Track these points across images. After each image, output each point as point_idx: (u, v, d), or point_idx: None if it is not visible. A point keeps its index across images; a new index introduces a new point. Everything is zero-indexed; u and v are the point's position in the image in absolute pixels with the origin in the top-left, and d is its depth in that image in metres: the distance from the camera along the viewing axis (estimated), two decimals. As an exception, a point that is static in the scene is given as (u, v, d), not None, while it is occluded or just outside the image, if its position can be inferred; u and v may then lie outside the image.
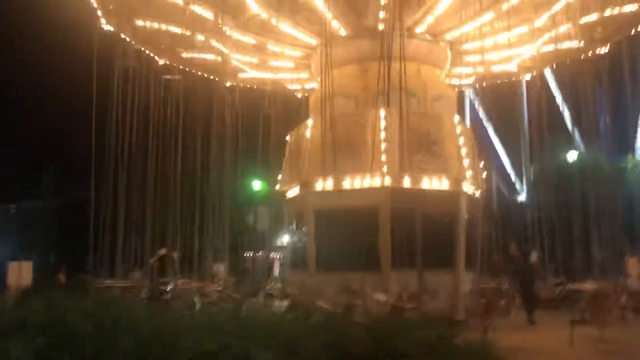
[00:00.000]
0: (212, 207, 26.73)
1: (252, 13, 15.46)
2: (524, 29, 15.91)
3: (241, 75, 21.01)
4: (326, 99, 14.20)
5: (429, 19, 15.12)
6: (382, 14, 14.51)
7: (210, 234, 26.52)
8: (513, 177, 44.78)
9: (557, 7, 15.41)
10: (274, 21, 15.23)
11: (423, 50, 15.85)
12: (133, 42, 18.75)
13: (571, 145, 39.79)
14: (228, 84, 21.41)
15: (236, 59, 18.43)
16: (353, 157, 14.92)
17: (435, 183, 14.92)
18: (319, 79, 17.27)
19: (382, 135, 14.69)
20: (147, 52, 19.52)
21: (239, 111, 23.43)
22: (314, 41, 16.17)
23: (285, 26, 15.53)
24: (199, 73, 21.14)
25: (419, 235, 14.45)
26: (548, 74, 35.24)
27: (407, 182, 14.70)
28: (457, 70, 18.40)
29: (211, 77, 21.31)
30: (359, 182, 14.89)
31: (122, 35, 18.39)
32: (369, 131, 14.81)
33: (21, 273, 22.93)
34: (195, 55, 19.66)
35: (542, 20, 15.73)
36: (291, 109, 25.19)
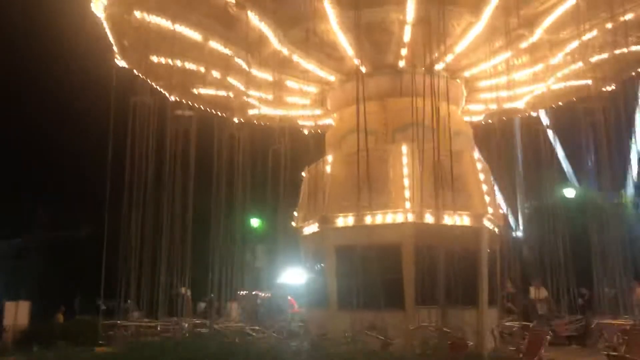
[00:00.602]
0: (212, 245, 26.35)
1: (272, 49, 15.48)
2: (539, 66, 16.15)
3: (250, 112, 21.03)
4: (354, 133, 14.18)
5: (449, 57, 15.27)
6: (404, 52, 14.61)
7: (208, 271, 26.08)
8: (507, 213, 45.08)
9: (572, 46, 15.67)
10: (295, 58, 15.26)
11: (441, 87, 15.95)
12: (145, 78, 18.68)
13: (564, 182, 40.34)
14: (236, 121, 21.38)
15: (250, 95, 18.41)
16: (375, 192, 14.81)
17: (457, 219, 14.85)
18: (334, 115, 17.39)
19: (405, 171, 14.66)
20: (158, 87, 19.44)
21: (241, 148, 23.39)
22: (332, 77, 16.23)
23: (306, 63, 15.58)
24: (206, 109, 21.09)
25: (441, 271, 14.29)
26: (541, 112, 35.91)
27: (429, 218, 14.61)
28: (469, 107, 18.56)
29: (218, 113, 21.26)
30: (381, 218, 14.77)
31: (135, 72, 18.32)
32: (391, 167, 14.80)
33: (18, 313, 22.27)
34: (207, 91, 19.64)
35: (557, 58, 15.99)
36: (294, 147, 25.22)
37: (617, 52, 17.15)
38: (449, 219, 14.76)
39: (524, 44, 14.90)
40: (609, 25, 15.27)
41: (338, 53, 15.24)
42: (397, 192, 14.62)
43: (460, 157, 15.38)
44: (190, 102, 20.45)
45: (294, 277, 31.90)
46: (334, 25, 13.98)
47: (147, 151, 20.61)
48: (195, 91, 19.88)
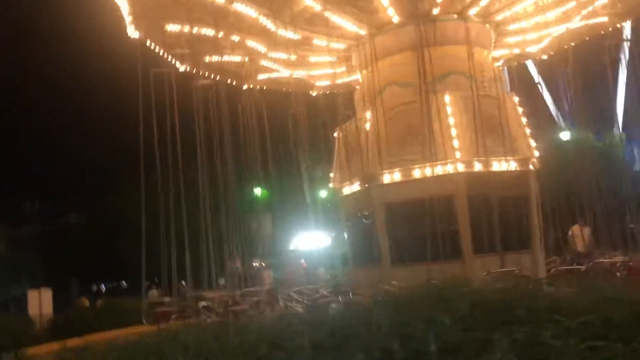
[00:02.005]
0: (218, 215, 25.92)
1: (301, 7, 14.92)
2: (571, 4, 15.95)
3: (260, 78, 20.47)
4: (392, 86, 13.86)
5: (483, 2, 14.95)
6: (439, -2, 14.23)
7: (219, 241, 25.70)
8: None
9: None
10: (327, 13, 14.75)
11: (474, 33, 15.68)
12: (157, 48, 17.93)
13: (555, 127, 40.86)
14: (244, 88, 20.81)
15: (270, 57, 17.85)
16: (420, 145, 14.61)
17: (504, 165, 14.75)
18: (364, 71, 16.97)
19: (451, 120, 14.44)
20: (169, 57, 18.70)
21: (246, 116, 22.86)
22: (363, 31, 15.77)
23: (338, 17, 15.07)
24: (215, 77, 20.42)
25: (494, 218, 14.25)
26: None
27: (478, 167, 14.49)
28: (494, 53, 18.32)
29: (227, 81, 20.63)
30: (430, 170, 14.58)
31: (148, 42, 17.54)
32: (435, 118, 14.54)
33: (42, 302, 21.68)
34: (219, 58, 18.96)
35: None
36: (301, 113, 24.75)
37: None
38: (497, 165, 14.67)
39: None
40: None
41: (371, 5, 14.76)
42: (444, 143, 14.41)
43: (502, 102, 15.22)
44: (201, 71, 19.78)
45: (305, 242, 31.88)
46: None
47: (154, 124, 19.99)
48: (207, 59, 19.20)
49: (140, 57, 18.00)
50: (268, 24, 15.73)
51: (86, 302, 23.05)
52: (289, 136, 30.27)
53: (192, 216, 23.37)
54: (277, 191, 33.71)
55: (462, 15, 15.52)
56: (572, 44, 21.63)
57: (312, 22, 15.57)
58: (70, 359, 4.08)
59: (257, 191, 34.99)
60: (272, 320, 4.54)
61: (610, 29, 19.99)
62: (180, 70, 19.34)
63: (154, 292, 26.67)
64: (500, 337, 2.82)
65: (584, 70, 23.67)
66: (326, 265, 26.94)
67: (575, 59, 20.82)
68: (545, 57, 21.92)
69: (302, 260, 29.86)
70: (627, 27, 36.50)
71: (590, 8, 16.95)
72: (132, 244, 37.24)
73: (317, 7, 14.70)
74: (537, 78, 39.53)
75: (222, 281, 27.44)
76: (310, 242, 31.50)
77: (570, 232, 17.57)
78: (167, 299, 17.84)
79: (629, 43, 34.55)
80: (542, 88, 42.41)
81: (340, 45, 16.88)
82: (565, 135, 35.47)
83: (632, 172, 37.47)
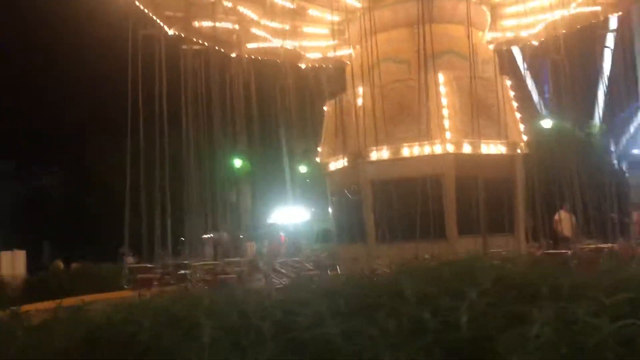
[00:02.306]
0: (197, 183, 25.64)
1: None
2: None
3: (249, 46, 20.13)
4: (386, 62, 13.72)
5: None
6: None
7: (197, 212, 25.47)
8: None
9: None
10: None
11: (471, 14, 15.53)
12: (146, 9, 17.46)
13: (537, 115, 41.18)
14: (233, 55, 20.44)
15: (262, 25, 17.51)
16: (411, 123, 14.55)
17: (493, 148, 14.79)
18: (357, 46, 16.74)
19: (444, 101, 14.36)
20: (158, 19, 18.23)
21: (233, 85, 22.53)
22: (359, 4, 15.52)
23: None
24: (205, 43, 20.00)
25: (480, 200, 14.30)
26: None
27: (467, 148, 14.50)
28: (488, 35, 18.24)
29: (216, 47, 20.22)
30: (419, 149, 14.54)
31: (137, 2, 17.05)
32: (428, 96, 14.46)
33: (15, 263, 21.35)
34: (210, 23, 18.53)
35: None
36: (287, 84, 24.44)
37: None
38: (486, 148, 14.69)
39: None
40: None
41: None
42: (435, 122, 14.34)
43: (495, 85, 15.19)
44: (189, 36, 19.37)
45: (284, 216, 31.82)
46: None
47: (138, 88, 19.57)
48: (197, 24, 18.78)
49: (128, 18, 17.62)
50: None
51: (61, 265, 22.72)
52: (274, 108, 29.95)
53: (171, 184, 23.07)
54: (258, 163, 33.50)
55: (460, -7, 15.37)
56: (564, 31, 21.69)
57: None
58: (73, 316, 3.93)
59: (238, 162, 34.72)
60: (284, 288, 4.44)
61: (602, 18, 20.12)
62: (169, 34, 18.95)
63: (130, 259, 26.46)
64: (531, 311, 2.75)
65: (568, 59, 23.81)
66: (305, 240, 26.94)
67: (560, 47, 20.91)
68: (535, 43, 21.94)
69: (281, 234, 29.84)
70: (613, 19, 36.80)
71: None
72: (109, 209, 36.82)
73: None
74: (521, 64, 39.77)
75: (205, 250, 27.24)
76: (289, 216, 31.45)
77: (557, 217, 17.73)
78: (149, 265, 17.64)
79: (615, 34, 34.90)
80: (525, 75, 42.68)
81: (335, 18, 16.60)
82: (546, 123, 35.83)
83: (610, 162, 38.03)
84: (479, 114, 14.48)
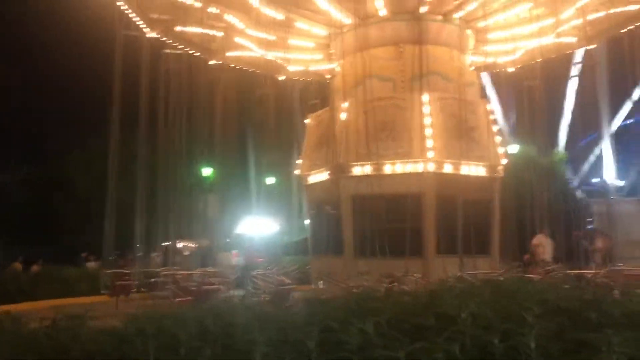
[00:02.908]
0: (165, 194, 25.20)
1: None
2: (549, 21, 16.29)
3: (230, 54, 19.98)
4: (371, 79, 13.86)
5: (472, 5, 15.06)
6: (429, -3, 14.21)
7: (165, 220, 25.01)
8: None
9: (582, 2, 15.90)
10: (315, -3, 14.48)
11: (456, 36, 15.81)
12: (129, 9, 17.15)
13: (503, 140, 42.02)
14: (212, 62, 20.25)
15: (248, 35, 17.38)
16: (396, 141, 14.64)
17: (473, 170, 14.96)
18: (342, 61, 16.78)
19: (427, 120, 14.48)
20: (140, 21, 17.92)
21: (209, 93, 22.35)
22: (347, 20, 15.57)
23: (325, 2, 14.82)
24: (185, 48, 19.76)
25: (459, 220, 14.42)
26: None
27: (448, 168, 14.63)
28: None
29: (195, 53, 20.02)
30: (401, 167, 14.60)
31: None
32: (412, 116, 14.58)
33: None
34: (193, 29, 18.32)
35: (566, 13, 16.21)
36: (257, 94, 24.32)
37: (611, 11, 17.70)
38: (466, 169, 14.86)
39: (544, -4, 14.90)
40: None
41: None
42: (418, 141, 14.45)
43: (477, 107, 15.44)
44: (170, 40, 19.09)
45: (252, 227, 31.39)
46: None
47: (113, 88, 19.16)
48: (178, 29, 18.53)
49: (107, 17, 17.28)
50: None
51: (19, 267, 21.87)
52: (247, 118, 29.68)
53: (137, 188, 22.60)
54: (227, 173, 33.13)
55: (447, 17, 15.63)
56: (540, 60, 22.27)
57: (298, 4, 15.24)
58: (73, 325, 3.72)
59: (207, 171, 34.28)
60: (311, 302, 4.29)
61: (577, 49, 20.74)
62: (148, 36, 18.63)
63: (92, 264, 25.67)
64: (597, 338, 2.72)
65: (540, 86, 24.44)
66: (271, 253, 26.64)
67: (536, 74, 21.44)
68: (511, 69, 22.44)
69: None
70: (579, 52, 38.00)
71: (565, 27, 17.39)
72: (70, 210, 35.71)
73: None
74: (490, 89, 40.58)
75: (157, 258, 26.66)
76: (257, 227, 31.12)
77: (536, 241, 18.07)
78: (127, 271, 17.19)
79: (581, 65, 36.00)
80: (493, 100, 43.52)
81: (322, 32, 16.64)
82: (513, 149, 36.62)
83: (572, 190, 39.05)
84: (461, 135, 14.68)
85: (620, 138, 41.77)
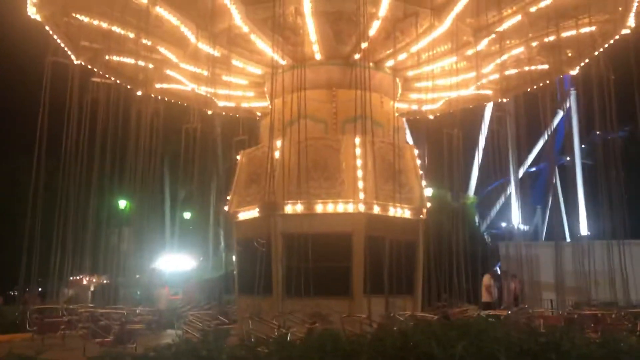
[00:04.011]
0: (77, 226, 24.19)
1: (228, 24, 14.74)
2: (471, 74, 17.37)
3: (159, 86, 19.82)
4: (304, 120, 14.18)
5: (402, 55, 15.83)
6: (364, 45, 14.81)
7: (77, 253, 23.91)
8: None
9: (502, 58, 17.06)
10: (253, 37, 14.73)
11: (386, 83, 16.50)
12: (56, 35, 16.72)
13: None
14: (139, 93, 19.94)
15: (181, 68, 17.33)
16: (327, 181, 14.94)
17: (399, 211, 15.47)
18: (276, 100, 17.00)
19: (358, 162, 14.91)
20: (66, 47, 17.46)
21: (132, 124, 21.93)
22: (283, 61, 15.89)
23: (262, 43, 15.09)
24: (111, 78, 19.35)
25: (385, 261, 14.79)
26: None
27: (377, 210, 15.06)
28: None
29: (122, 83, 19.65)
30: (333, 207, 14.88)
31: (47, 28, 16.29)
32: (343, 157, 14.98)
33: None
34: (122, 59, 18.04)
35: (488, 68, 17.37)
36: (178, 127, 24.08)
37: (526, 68, 19.16)
38: (393, 211, 15.34)
39: (469, 51, 15.92)
40: (534, 44, 16.99)
41: (298, 38, 14.98)
42: (349, 182, 14.82)
43: (404, 152, 16.08)
44: (96, 69, 18.66)
45: (167, 263, 30.52)
46: (307, 10, 13.73)
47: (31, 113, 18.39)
48: (107, 57, 18.16)
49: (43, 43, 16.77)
50: (189, 35, 15.34)
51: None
52: (171, 151, 29.14)
53: (48, 220, 21.57)
54: (144, 206, 32.14)
55: (378, 65, 16.33)
56: (458, 109, 23.56)
57: (235, 42, 15.42)
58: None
59: (122, 203, 33.20)
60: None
61: (493, 101, 22.21)
62: (75, 63, 18.13)
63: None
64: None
65: (453, 134, 25.83)
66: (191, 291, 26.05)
67: (456, 123, 22.70)
68: (432, 117, 23.59)
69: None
70: (489, 106, 40.53)
71: (484, 80, 18.60)
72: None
73: (245, 29, 14.61)
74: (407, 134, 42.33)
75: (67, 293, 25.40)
76: (173, 263, 30.36)
77: (487, 282, 18.87)
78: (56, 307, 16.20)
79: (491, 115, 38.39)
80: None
81: (256, 70, 16.86)
82: (427, 192, 38.16)
83: (480, 233, 41.01)
84: (389, 178, 15.19)
85: (525, 185, 44.55)
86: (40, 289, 30.35)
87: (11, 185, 19.90)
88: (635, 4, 15.13)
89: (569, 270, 19.93)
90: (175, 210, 41.85)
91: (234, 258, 17.89)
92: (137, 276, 31.08)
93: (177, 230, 40.89)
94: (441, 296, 25.03)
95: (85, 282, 28.06)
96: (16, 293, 19.27)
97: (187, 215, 42.92)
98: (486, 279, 21.80)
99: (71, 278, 26.62)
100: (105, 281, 24.06)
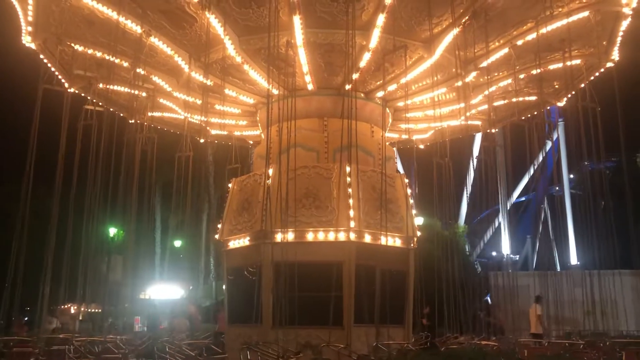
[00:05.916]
0: (65, 253, 24.02)
1: (221, 54, 14.95)
2: (460, 105, 17.63)
3: (152, 114, 19.93)
4: (296, 149, 14.32)
5: (392, 86, 16.09)
6: (355, 76, 15.05)
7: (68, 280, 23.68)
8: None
9: (491, 89, 17.37)
10: (246, 67, 14.95)
11: (376, 113, 16.72)
12: (50, 64, 16.86)
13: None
14: (132, 122, 20.06)
15: (174, 97, 17.50)
16: (317, 209, 15.03)
17: (390, 241, 15.51)
18: (269, 128, 17.16)
19: (350, 191, 15.02)
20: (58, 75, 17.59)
21: (124, 152, 21.99)
22: (275, 91, 16.08)
23: (255, 73, 15.32)
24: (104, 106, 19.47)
25: (376, 290, 14.81)
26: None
27: (368, 238, 15.14)
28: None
29: (115, 111, 19.76)
30: (323, 235, 14.94)
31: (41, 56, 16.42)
32: (335, 186, 15.09)
33: None
34: (115, 87, 18.19)
35: (476, 99, 17.65)
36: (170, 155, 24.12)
37: (514, 100, 19.49)
38: (384, 240, 15.38)
39: (458, 83, 16.20)
40: (521, 76, 17.32)
41: (290, 69, 15.20)
42: (341, 211, 14.91)
43: (395, 181, 16.23)
44: (89, 97, 18.77)
45: (158, 292, 30.26)
46: (299, 41, 13.97)
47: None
48: (100, 86, 18.32)
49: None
50: (182, 64, 15.54)
51: None
52: (162, 179, 29.09)
53: (35, 244, 21.40)
54: (136, 234, 31.99)
55: (369, 96, 16.58)
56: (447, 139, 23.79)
57: (228, 72, 15.60)
58: None
59: (112, 231, 33.05)
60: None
61: (482, 131, 22.52)
62: (70, 92, 18.24)
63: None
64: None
65: (444, 164, 26.08)
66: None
67: (446, 153, 22.96)
68: (422, 146, 23.82)
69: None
70: (478, 136, 40.88)
71: (473, 111, 18.90)
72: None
73: (238, 59, 14.82)
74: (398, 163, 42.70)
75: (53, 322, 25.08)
76: (163, 292, 30.12)
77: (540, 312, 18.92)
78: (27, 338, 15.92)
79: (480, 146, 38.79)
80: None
81: (249, 100, 17.06)
82: (418, 220, 38.32)
83: (471, 263, 41.09)
84: (380, 207, 15.28)
85: (515, 214, 44.92)
86: (26, 318, 29.94)
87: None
88: (619, 39, 15.51)
89: (561, 300, 20.04)
90: (166, 238, 41.67)
91: (224, 287, 17.79)
92: (126, 305, 30.79)
93: (167, 258, 40.62)
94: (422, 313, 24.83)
95: (73, 311, 27.70)
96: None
97: (177, 243, 42.66)
98: (539, 309, 20.91)
99: (59, 307, 26.30)
100: (91, 310, 23.75)
